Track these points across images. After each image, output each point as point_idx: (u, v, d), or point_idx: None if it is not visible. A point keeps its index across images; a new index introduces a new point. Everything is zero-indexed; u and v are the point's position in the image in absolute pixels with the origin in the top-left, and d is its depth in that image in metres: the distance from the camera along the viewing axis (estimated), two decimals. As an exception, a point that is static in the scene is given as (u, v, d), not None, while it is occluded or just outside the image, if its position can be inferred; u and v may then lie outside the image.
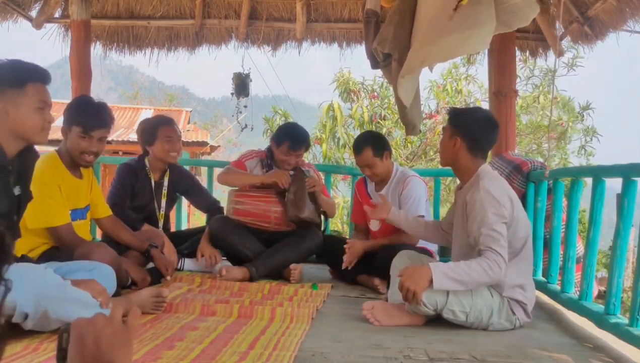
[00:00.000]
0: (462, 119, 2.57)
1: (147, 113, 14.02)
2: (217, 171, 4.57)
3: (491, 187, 2.39)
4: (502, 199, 2.38)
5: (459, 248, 2.58)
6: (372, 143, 3.35)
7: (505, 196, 2.40)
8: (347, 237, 4.72)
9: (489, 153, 2.93)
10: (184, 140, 11.84)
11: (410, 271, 2.33)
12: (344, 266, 3.24)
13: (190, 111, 17.08)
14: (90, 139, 2.66)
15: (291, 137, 3.47)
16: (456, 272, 2.28)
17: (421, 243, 3.26)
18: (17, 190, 2.08)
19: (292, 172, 3.48)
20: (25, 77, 2.02)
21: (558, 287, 2.99)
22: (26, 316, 1.80)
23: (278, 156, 3.49)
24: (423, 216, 3.26)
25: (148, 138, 3.49)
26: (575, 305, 2.67)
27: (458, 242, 2.61)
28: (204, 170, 6.88)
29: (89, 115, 2.68)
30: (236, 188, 3.58)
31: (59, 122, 2.74)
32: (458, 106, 9.22)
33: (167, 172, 3.61)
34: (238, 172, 3.52)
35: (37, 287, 1.81)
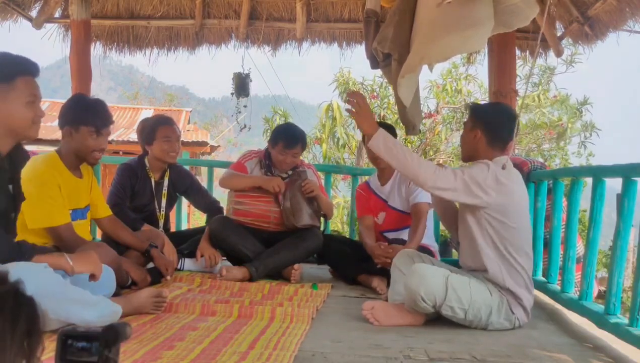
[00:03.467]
0: (482, 111, 2.66)
1: (147, 113, 14.00)
2: (217, 171, 4.57)
3: (495, 166, 2.43)
4: (498, 176, 2.39)
5: (467, 241, 2.58)
6: (386, 127, 3.48)
7: (504, 180, 2.40)
8: (347, 237, 4.72)
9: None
10: (184, 140, 11.88)
11: (365, 113, 2.56)
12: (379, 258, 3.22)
13: (190, 111, 17.07)
14: (100, 137, 2.69)
15: (285, 136, 3.47)
16: (395, 145, 2.47)
17: (422, 242, 3.27)
18: (10, 189, 2.06)
19: (287, 174, 3.48)
20: (14, 70, 1.97)
21: (558, 287, 2.99)
22: None
23: (275, 157, 3.49)
24: (430, 203, 3.31)
25: (147, 138, 3.49)
26: (575, 305, 2.67)
27: (464, 233, 2.60)
28: (204, 170, 6.89)
29: (99, 114, 2.70)
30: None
31: (64, 123, 2.75)
32: (459, 105, 9.25)
33: (167, 172, 3.61)
34: (237, 175, 3.51)
35: (36, 287, 1.80)
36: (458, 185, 2.38)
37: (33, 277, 1.82)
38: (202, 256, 3.40)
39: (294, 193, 3.37)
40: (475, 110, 2.67)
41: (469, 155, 2.63)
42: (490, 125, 2.55)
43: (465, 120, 2.71)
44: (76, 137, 2.67)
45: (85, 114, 2.69)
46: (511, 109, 2.77)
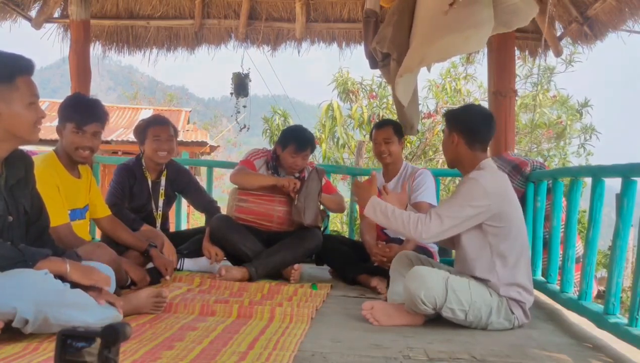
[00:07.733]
0: (456, 116, 2.68)
1: (147, 113, 14.00)
2: (217, 171, 4.57)
3: (483, 177, 2.44)
4: (489, 191, 2.40)
5: (465, 252, 2.58)
6: (394, 124, 3.62)
7: (493, 190, 2.42)
8: (347, 236, 4.73)
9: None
10: (184, 140, 11.89)
11: (363, 193, 2.64)
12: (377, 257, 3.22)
13: (190, 111, 17.06)
14: (83, 134, 2.66)
15: (297, 138, 3.46)
16: (383, 211, 2.52)
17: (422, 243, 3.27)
18: (7, 194, 1.99)
19: (294, 176, 3.48)
20: (14, 69, 1.88)
21: (557, 287, 2.99)
22: (26, 322, 1.79)
23: (285, 159, 3.47)
24: (435, 205, 3.33)
25: (140, 138, 3.50)
26: (574, 305, 2.67)
27: (463, 243, 2.60)
28: (203, 170, 6.88)
29: (81, 110, 2.68)
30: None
31: (57, 122, 2.74)
32: (456, 106, 9.24)
33: (165, 172, 3.60)
34: (252, 173, 3.49)
35: (37, 294, 1.79)
36: (448, 223, 2.41)
37: (32, 284, 1.81)
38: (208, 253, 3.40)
39: (309, 191, 3.36)
40: (449, 117, 2.71)
41: (452, 160, 2.66)
42: (465, 129, 2.58)
43: (443, 128, 2.76)
44: (64, 134, 2.68)
45: (70, 110, 2.69)
46: (485, 110, 2.83)
